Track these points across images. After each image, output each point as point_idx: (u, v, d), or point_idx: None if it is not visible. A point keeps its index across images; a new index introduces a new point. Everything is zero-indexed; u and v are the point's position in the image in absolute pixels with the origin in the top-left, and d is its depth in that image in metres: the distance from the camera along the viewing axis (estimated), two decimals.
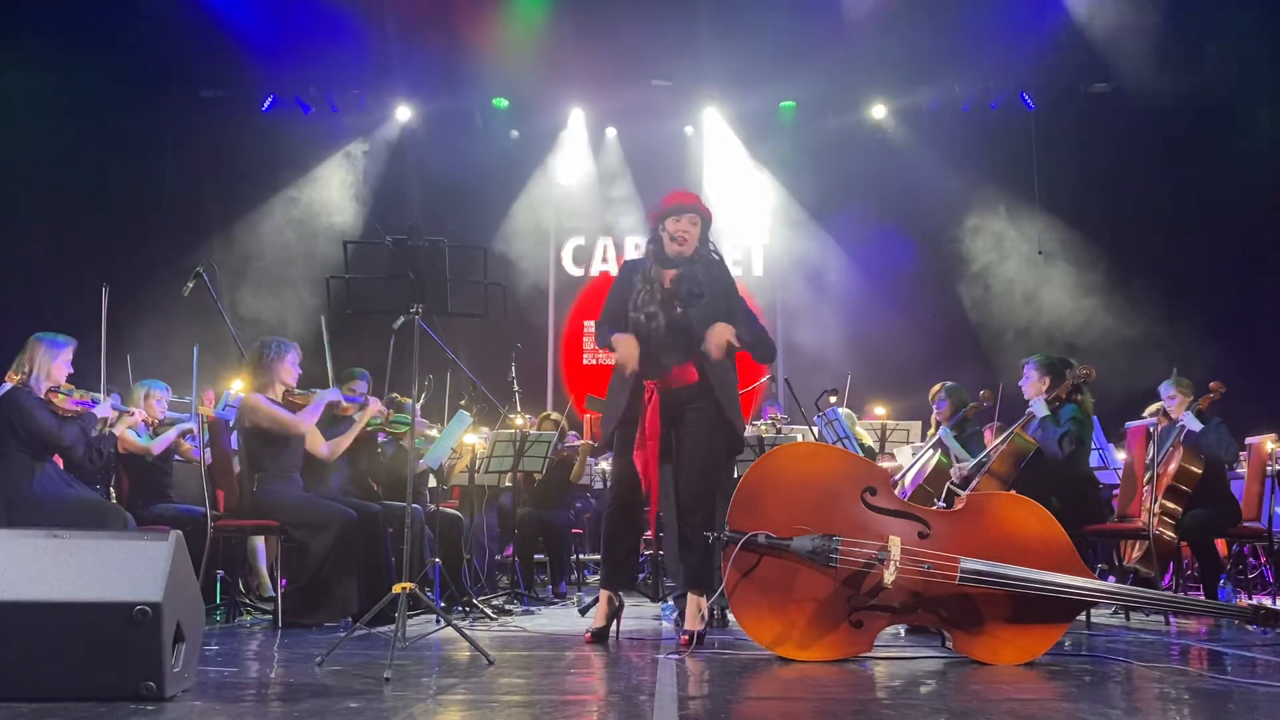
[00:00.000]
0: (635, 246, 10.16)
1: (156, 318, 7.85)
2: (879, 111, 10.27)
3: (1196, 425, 5.21)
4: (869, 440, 6.35)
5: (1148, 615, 4.98)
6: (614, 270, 10.09)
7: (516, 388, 6.57)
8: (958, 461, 5.50)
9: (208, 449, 4.83)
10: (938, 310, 10.00)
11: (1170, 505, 5.06)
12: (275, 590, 4.89)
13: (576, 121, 10.54)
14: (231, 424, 5.10)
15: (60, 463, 4.61)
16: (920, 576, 3.31)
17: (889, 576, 3.25)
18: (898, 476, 5.61)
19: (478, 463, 5.68)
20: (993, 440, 5.44)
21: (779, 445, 4.27)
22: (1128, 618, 4.91)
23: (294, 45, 9.40)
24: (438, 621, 4.05)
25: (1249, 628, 4.34)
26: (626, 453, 3.85)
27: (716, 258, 4.05)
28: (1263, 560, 6.90)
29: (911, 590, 3.33)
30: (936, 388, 5.94)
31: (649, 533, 5.20)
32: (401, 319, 3.54)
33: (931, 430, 5.97)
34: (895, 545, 3.29)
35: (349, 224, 9.92)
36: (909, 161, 9.99)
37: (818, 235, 10.24)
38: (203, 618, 2.78)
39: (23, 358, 4.46)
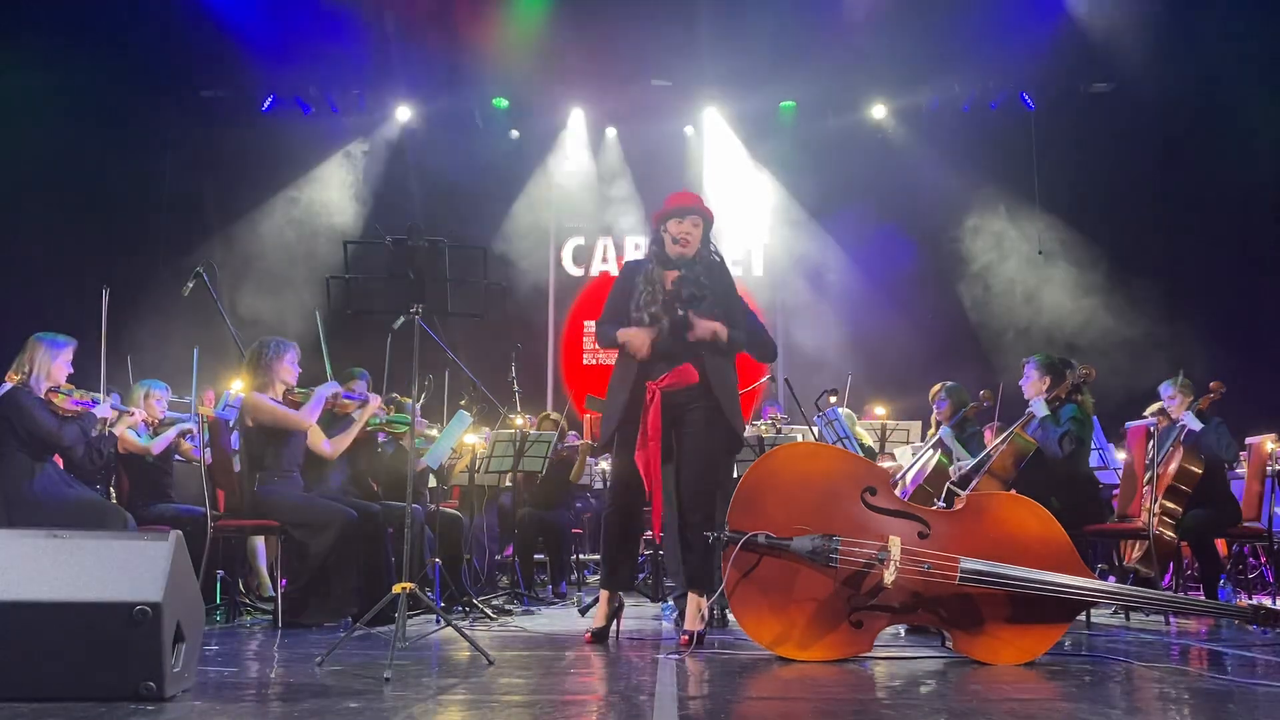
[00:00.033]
0: (635, 246, 10.17)
1: (156, 318, 7.84)
2: (879, 111, 10.27)
3: (1197, 425, 5.21)
4: (869, 440, 6.35)
5: (1148, 615, 4.98)
6: (614, 270, 10.09)
7: (516, 388, 6.58)
8: (958, 461, 5.49)
9: (208, 449, 4.83)
10: (938, 310, 10.00)
11: (1170, 505, 5.06)
12: (275, 590, 4.89)
13: (576, 121, 10.54)
14: (231, 424, 5.11)
15: (60, 463, 4.61)
16: (920, 576, 3.31)
17: (889, 576, 3.25)
18: (898, 476, 5.61)
19: (478, 463, 5.69)
20: (993, 440, 5.43)
21: (779, 445, 4.27)
22: (1128, 618, 4.90)
23: (294, 45, 9.40)
24: (438, 621, 4.05)
25: (1249, 628, 4.34)
26: (626, 453, 3.85)
27: (718, 259, 4.06)
28: (1263, 560, 6.90)
29: (911, 590, 3.33)
30: (936, 387, 5.94)
31: (649, 533, 5.20)
32: (401, 319, 3.55)
33: (931, 430, 5.97)
34: (895, 545, 3.29)
35: (349, 224, 9.90)
36: (909, 161, 9.98)
37: (818, 235, 10.24)
38: (203, 618, 2.78)
39: (23, 358, 4.46)
